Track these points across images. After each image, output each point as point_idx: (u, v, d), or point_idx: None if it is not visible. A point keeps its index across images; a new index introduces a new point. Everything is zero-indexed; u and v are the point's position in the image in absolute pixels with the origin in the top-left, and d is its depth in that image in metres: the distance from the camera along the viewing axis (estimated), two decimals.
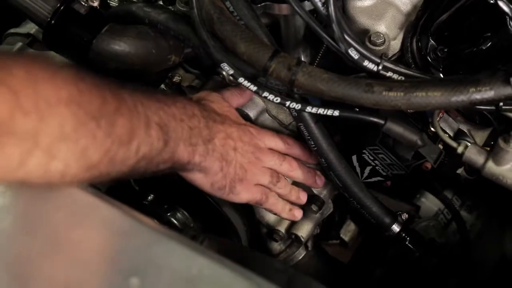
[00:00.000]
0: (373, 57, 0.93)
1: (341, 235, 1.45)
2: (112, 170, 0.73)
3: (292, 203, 1.16)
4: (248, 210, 1.22)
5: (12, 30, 1.48)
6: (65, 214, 0.65)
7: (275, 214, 1.17)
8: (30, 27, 1.46)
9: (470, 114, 1.09)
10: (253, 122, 1.15)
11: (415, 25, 1.05)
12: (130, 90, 0.79)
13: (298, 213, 1.16)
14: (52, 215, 0.65)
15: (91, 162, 0.69)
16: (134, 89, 0.81)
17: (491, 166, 0.95)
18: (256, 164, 1.05)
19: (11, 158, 0.61)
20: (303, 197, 1.16)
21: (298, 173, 1.13)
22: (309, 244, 1.34)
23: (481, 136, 1.11)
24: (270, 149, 1.09)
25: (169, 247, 0.66)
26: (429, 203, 1.43)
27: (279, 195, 1.12)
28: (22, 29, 1.48)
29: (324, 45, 0.95)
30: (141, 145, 0.77)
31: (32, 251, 0.63)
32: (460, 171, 1.17)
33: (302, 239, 1.23)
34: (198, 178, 0.97)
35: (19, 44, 1.42)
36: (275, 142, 1.09)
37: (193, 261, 0.65)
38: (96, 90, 0.70)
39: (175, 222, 1.17)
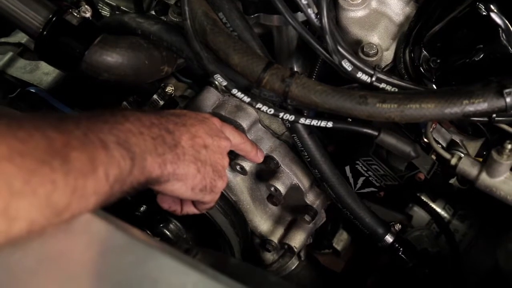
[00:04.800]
0: (366, 69, 0.93)
1: (334, 245, 1.45)
2: (85, 205, 0.68)
3: None
4: (241, 221, 1.21)
5: (2, 40, 1.48)
6: (57, 230, 0.64)
7: None
8: (21, 37, 1.46)
9: (463, 125, 1.09)
10: (246, 132, 1.15)
11: (408, 36, 1.05)
12: (74, 119, 0.72)
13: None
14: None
15: (59, 207, 0.63)
16: (78, 117, 0.74)
17: (484, 178, 0.95)
18: (224, 155, 1.01)
19: None
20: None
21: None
22: (302, 254, 1.34)
23: (473, 147, 1.11)
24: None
25: (164, 263, 0.65)
26: (422, 212, 1.43)
27: None
28: (12, 39, 1.47)
29: (320, 57, 0.95)
30: (109, 169, 0.71)
31: (24, 266, 0.62)
32: (452, 180, 1.18)
33: (295, 249, 1.22)
34: (177, 188, 0.90)
35: (10, 53, 1.42)
36: (234, 136, 1.05)
37: (188, 277, 0.64)
38: (37, 132, 0.64)
39: (168, 233, 1.16)
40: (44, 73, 1.39)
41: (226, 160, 0.99)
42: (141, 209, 1.16)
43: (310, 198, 1.20)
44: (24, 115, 0.69)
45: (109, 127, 0.76)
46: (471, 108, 0.84)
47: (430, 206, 1.40)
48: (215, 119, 1.01)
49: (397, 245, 1.15)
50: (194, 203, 1.02)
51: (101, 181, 0.69)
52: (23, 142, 0.61)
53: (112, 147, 0.73)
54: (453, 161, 0.99)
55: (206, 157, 0.94)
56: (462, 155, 1.01)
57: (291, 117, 0.98)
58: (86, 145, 0.69)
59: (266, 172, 1.19)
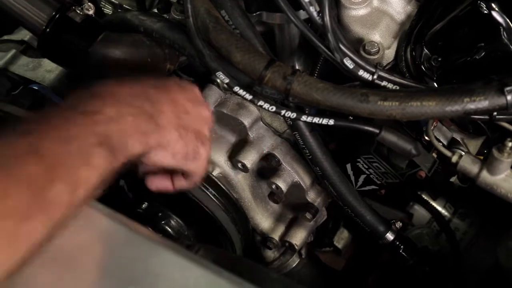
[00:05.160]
0: (368, 67, 0.93)
1: (335, 242, 1.45)
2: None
3: None
4: (242, 218, 1.22)
5: (5, 37, 1.48)
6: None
7: None
8: (24, 34, 1.46)
9: (464, 123, 1.09)
10: (248, 130, 1.15)
11: (409, 35, 1.05)
12: (59, 140, 0.65)
13: None
14: None
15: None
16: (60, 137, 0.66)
17: (485, 175, 0.95)
18: (206, 122, 0.96)
19: None
20: None
21: None
22: (303, 252, 1.35)
23: (474, 145, 1.11)
24: None
25: (166, 258, 0.66)
26: (422, 210, 1.43)
27: None
28: (15, 36, 1.48)
29: (322, 55, 0.95)
30: (89, 184, 0.66)
31: (28, 262, 0.63)
32: (453, 179, 1.18)
33: (296, 247, 1.23)
34: (160, 157, 0.85)
35: (13, 51, 1.42)
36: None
37: (190, 272, 0.65)
38: (16, 186, 0.58)
39: (170, 230, 1.17)
40: (46, 70, 1.40)
41: (207, 128, 0.96)
42: (143, 206, 1.17)
43: (311, 196, 1.20)
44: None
45: (87, 129, 0.71)
46: (472, 106, 0.85)
47: (431, 204, 1.41)
48: (196, 89, 0.97)
49: (397, 243, 1.16)
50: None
51: (81, 200, 0.65)
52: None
53: (93, 156, 0.68)
54: (454, 159, 0.99)
55: (187, 122, 0.91)
56: (463, 153, 1.01)
57: (293, 115, 0.98)
58: (69, 174, 0.64)
59: (267, 169, 1.20)
